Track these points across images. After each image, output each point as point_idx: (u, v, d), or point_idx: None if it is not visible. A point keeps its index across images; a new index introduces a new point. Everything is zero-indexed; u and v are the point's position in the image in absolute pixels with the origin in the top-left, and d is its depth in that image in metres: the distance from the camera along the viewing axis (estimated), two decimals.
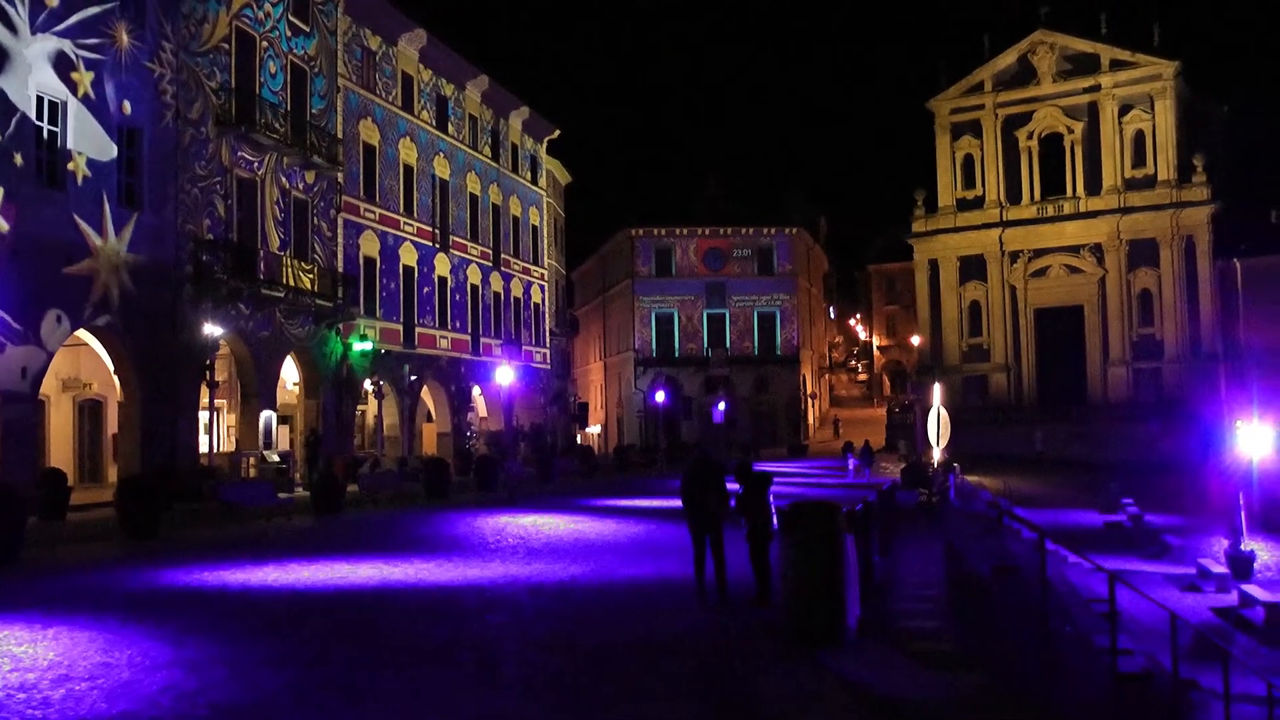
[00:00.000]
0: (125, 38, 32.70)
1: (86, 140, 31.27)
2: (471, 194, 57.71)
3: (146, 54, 33.62)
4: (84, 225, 31.11)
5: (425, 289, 51.92)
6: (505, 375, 53.59)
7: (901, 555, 20.95)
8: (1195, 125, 75.46)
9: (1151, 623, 16.94)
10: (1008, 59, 77.57)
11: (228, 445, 40.08)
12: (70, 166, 30.73)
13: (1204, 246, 71.64)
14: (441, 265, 53.59)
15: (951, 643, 13.00)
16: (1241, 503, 32.26)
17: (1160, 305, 72.97)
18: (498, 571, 18.75)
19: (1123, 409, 71.24)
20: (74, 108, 30.85)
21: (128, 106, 32.83)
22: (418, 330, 50.89)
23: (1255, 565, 29.79)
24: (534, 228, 67.59)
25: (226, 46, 37.70)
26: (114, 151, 32.23)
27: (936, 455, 34.74)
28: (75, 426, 38.69)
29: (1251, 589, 25.93)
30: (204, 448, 36.10)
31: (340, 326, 43.75)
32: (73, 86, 30.76)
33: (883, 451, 64.33)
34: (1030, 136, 76.83)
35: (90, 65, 31.40)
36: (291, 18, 41.64)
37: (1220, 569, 28.93)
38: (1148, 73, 73.41)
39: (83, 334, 32.44)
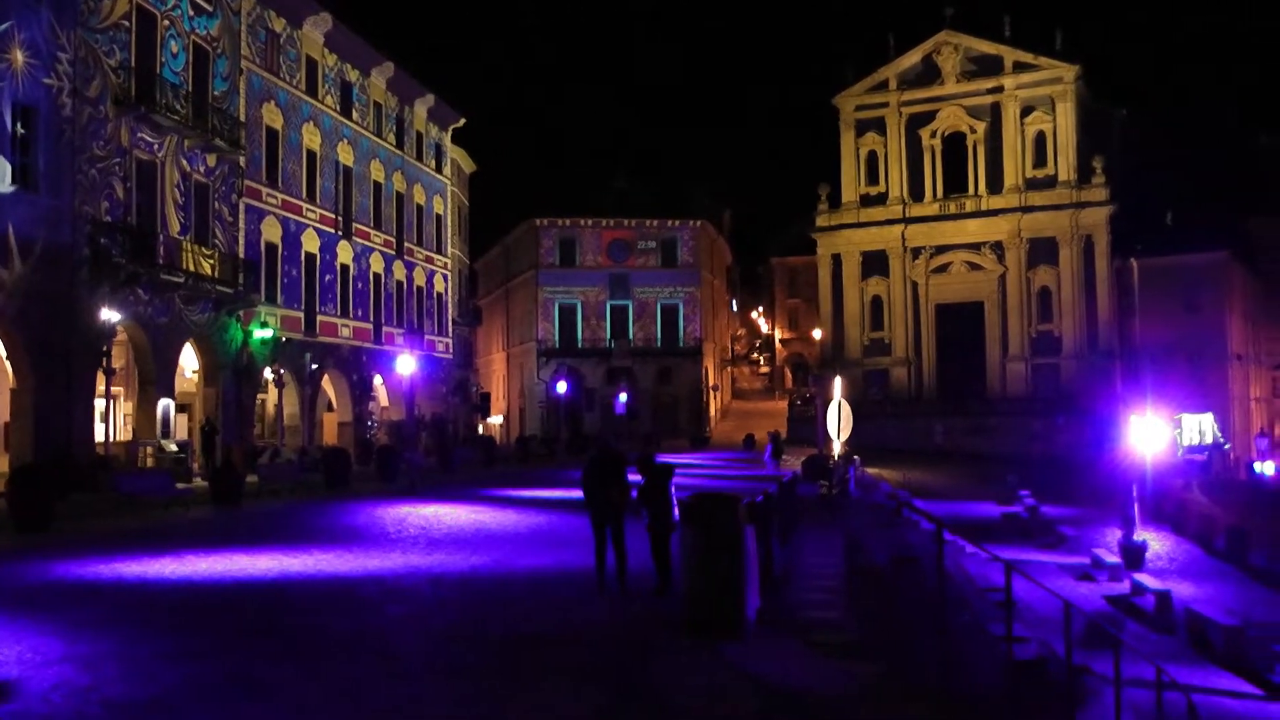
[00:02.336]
0: (20, 56, 31.87)
1: None
2: (375, 181, 57.20)
3: (43, 64, 32.80)
4: None
5: (327, 276, 51.39)
6: (407, 365, 53.26)
7: (802, 547, 21.14)
8: (1094, 128, 76.95)
9: (1046, 611, 17.28)
10: (912, 58, 78.47)
11: (124, 434, 39.34)
12: None
13: (1102, 246, 73.14)
14: (344, 253, 53.07)
15: (850, 633, 13.16)
16: (1135, 495, 33.07)
17: (1059, 302, 74.37)
18: (399, 562, 18.66)
19: (1021, 404, 72.60)
20: None
21: (20, 128, 32.11)
22: (319, 318, 50.36)
23: (1147, 555, 30.62)
24: (438, 216, 67.18)
25: (126, 24, 36.92)
26: (9, 184, 31.52)
27: (837, 448, 35.08)
28: None
29: (1143, 578, 26.65)
30: (100, 436, 35.44)
31: (241, 313, 43.17)
32: None
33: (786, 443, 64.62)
34: (934, 135, 77.83)
35: None
36: None
37: (1113, 559, 29.66)
38: (1049, 75, 74.68)
39: None
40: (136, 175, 37.38)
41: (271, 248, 46.32)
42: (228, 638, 12.47)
